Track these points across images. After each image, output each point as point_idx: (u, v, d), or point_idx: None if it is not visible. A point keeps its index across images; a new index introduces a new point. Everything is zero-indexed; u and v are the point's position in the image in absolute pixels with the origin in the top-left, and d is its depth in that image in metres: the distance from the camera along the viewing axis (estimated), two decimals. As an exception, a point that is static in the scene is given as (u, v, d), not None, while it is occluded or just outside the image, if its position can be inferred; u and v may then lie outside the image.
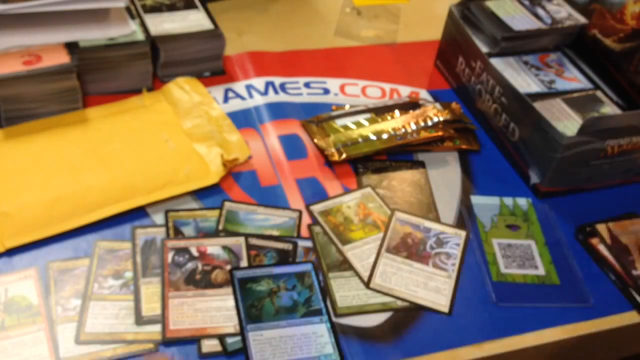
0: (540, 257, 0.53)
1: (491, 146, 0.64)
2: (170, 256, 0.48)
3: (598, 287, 0.52)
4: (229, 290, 0.47)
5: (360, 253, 0.51)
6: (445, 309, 0.48)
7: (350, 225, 0.53)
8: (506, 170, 0.62)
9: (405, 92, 0.70)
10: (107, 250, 0.49)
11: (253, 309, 0.46)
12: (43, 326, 0.44)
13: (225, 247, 0.49)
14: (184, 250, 0.48)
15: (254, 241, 0.50)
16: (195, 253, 0.49)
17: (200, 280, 0.47)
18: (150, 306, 0.46)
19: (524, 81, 0.66)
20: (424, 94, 0.70)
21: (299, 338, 0.45)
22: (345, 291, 0.48)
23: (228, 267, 0.48)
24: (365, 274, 0.50)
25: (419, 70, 0.73)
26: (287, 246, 0.51)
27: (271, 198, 0.55)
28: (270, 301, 0.46)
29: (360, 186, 0.57)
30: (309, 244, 0.51)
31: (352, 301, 0.48)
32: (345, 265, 0.50)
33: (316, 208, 0.54)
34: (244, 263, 0.48)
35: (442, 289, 0.49)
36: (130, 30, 0.61)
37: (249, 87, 0.67)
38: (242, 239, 0.50)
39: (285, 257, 0.50)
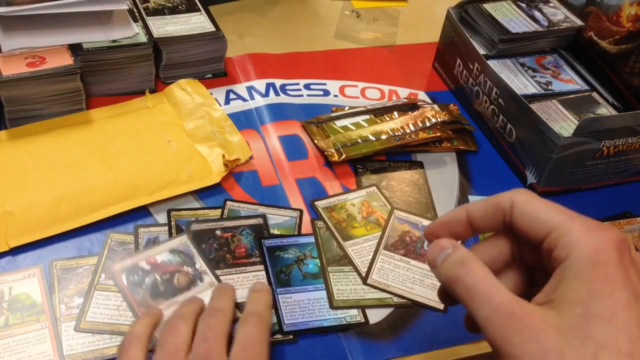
0: (536, 256, 0.54)
1: (488, 147, 0.65)
2: (123, 278, 0.47)
3: (594, 286, 0.52)
4: (198, 289, 0.47)
5: (361, 249, 0.52)
6: (441, 306, 0.49)
7: (353, 222, 0.54)
8: (503, 170, 0.62)
9: (403, 93, 0.70)
10: (119, 242, 0.50)
11: (282, 275, 0.49)
12: (47, 324, 0.44)
13: (173, 251, 0.49)
14: (135, 268, 0.47)
15: (226, 224, 0.51)
16: (146, 266, 0.48)
17: (166, 290, 0.46)
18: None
19: (521, 83, 0.67)
20: (422, 96, 0.70)
21: (326, 301, 0.48)
22: (343, 285, 0.49)
23: (185, 268, 0.48)
24: (364, 270, 0.50)
25: (417, 72, 0.74)
26: (258, 221, 0.52)
27: (272, 197, 0.56)
28: (298, 268, 0.49)
29: (359, 186, 0.58)
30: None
31: (349, 295, 0.49)
32: (344, 260, 0.51)
33: (320, 203, 0.55)
34: (197, 259, 0.49)
35: (438, 286, 0.50)
36: (132, 32, 0.61)
37: (250, 89, 0.67)
38: (184, 237, 0.50)
39: (260, 231, 0.52)
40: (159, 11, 0.67)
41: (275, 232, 0.52)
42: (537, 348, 0.28)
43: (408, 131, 0.62)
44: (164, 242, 0.50)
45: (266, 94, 0.67)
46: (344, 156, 0.59)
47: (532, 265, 0.35)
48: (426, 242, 0.53)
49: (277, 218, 0.54)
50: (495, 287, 0.31)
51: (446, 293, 0.36)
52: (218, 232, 0.51)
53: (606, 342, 0.27)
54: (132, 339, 0.40)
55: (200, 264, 0.48)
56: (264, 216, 0.53)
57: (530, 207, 0.33)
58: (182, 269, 0.48)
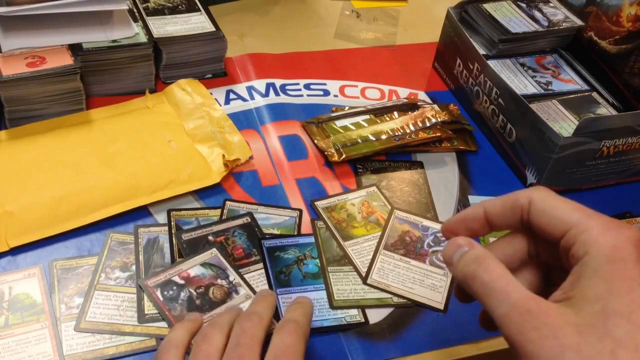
0: (536, 256, 0.54)
1: (488, 147, 0.65)
2: (158, 294, 0.46)
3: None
4: (233, 302, 0.46)
5: (361, 249, 0.52)
6: (441, 306, 0.49)
7: (353, 222, 0.54)
8: (503, 170, 0.62)
9: (404, 93, 0.70)
10: (119, 242, 0.50)
11: (282, 275, 0.49)
12: (47, 324, 0.44)
13: (205, 264, 0.48)
14: (169, 283, 0.47)
15: (216, 228, 0.51)
16: (180, 281, 0.47)
17: (203, 304, 0.46)
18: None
19: (521, 83, 0.67)
20: (422, 96, 0.70)
21: (326, 301, 0.48)
22: (343, 285, 0.49)
23: (219, 281, 0.47)
24: (363, 270, 0.50)
25: (417, 72, 0.74)
26: (245, 220, 0.52)
27: (272, 197, 0.56)
28: (298, 268, 0.49)
29: (359, 186, 0.58)
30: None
31: (349, 295, 0.49)
32: (344, 260, 0.51)
33: (320, 204, 0.55)
34: (231, 272, 0.48)
35: (438, 286, 0.50)
36: (132, 32, 0.62)
37: (250, 89, 0.67)
38: (214, 250, 0.49)
39: (251, 229, 0.52)
40: (159, 11, 0.67)
41: (275, 232, 0.52)
42: (554, 345, 0.28)
43: (408, 131, 0.62)
44: (194, 256, 0.49)
45: (266, 94, 0.67)
46: (344, 156, 0.59)
47: (549, 264, 0.35)
48: (426, 242, 0.53)
49: (277, 218, 0.54)
50: (512, 284, 0.31)
51: (462, 290, 0.36)
52: (211, 238, 0.50)
53: (624, 339, 0.27)
54: (170, 346, 0.39)
55: (234, 276, 0.48)
56: (250, 214, 0.53)
57: (549, 204, 0.33)
58: (216, 282, 0.47)
